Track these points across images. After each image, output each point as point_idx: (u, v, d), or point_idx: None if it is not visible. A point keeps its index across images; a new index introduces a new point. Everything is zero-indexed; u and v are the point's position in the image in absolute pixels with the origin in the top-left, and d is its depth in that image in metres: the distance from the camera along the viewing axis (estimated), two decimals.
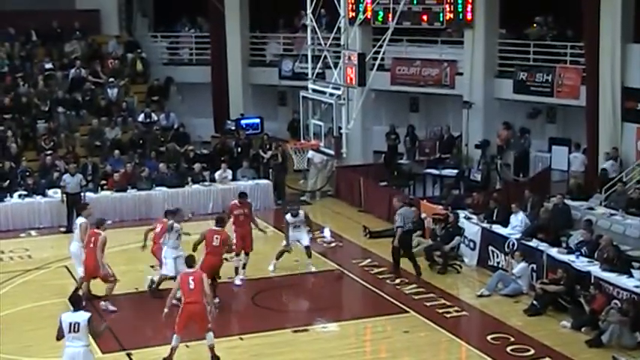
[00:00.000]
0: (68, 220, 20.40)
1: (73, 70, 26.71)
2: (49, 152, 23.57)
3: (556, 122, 24.45)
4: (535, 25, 24.16)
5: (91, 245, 15.41)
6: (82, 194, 21.13)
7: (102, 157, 24.06)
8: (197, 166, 23.45)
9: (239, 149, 24.95)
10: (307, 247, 17.72)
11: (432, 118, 26.53)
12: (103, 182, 22.54)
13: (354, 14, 22.60)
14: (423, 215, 19.94)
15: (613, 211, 18.95)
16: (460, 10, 23.69)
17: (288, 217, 17.57)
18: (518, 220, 18.28)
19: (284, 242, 17.68)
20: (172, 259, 15.87)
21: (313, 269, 17.73)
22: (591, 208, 19.35)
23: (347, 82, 17.86)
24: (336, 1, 18.80)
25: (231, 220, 17.18)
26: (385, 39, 18.51)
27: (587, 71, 21.47)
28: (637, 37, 20.61)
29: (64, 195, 20.92)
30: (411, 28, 24.26)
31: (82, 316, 11.42)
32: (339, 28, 18.84)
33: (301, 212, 17.72)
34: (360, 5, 23.14)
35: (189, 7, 28.80)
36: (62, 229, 20.65)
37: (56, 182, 21.74)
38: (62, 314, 11.63)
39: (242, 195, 17.83)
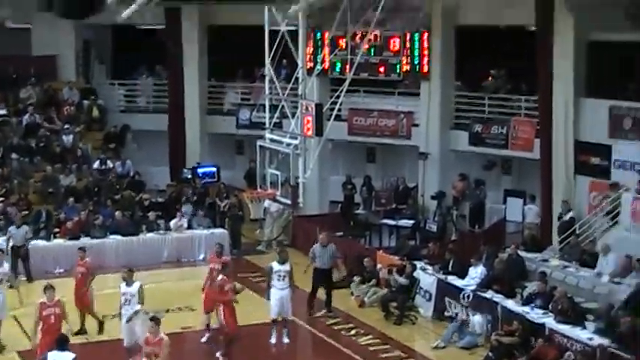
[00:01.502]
0: (14, 272, 19.78)
1: (27, 116, 26.48)
2: (0, 199, 23.20)
3: (511, 174, 24.69)
4: (490, 78, 24.57)
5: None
6: (26, 247, 20.80)
7: (56, 204, 23.75)
8: (151, 214, 23.24)
9: (195, 198, 24.83)
10: (285, 320, 16.96)
11: (389, 169, 26.66)
12: (57, 230, 22.21)
13: (312, 65, 22.84)
14: (379, 266, 19.91)
15: (567, 263, 19.08)
16: (417, 62, 24.09)
17: (274, 264, 16.91)
18: (478, 272, 18.34)
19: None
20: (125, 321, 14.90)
21: (287, 340, 17.06)
22: (545, 260, 19.46)
23: (304, 132, 17.89)
24: (294, 52, 18.87)
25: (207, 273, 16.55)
26: (342, 90, 18.61)
27: (541, 124, 21.75)
28: (589, 92, 20.97)
29: (10, 247, 20.54)
30: (369, 79, 24.56)
31: (68, 357, 11.35)
32: (296, 79, 18.91)
33: (289, 262, 17.05)
34: (318, 56, 23.39)
35: (147, 55, 28.77)
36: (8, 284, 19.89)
37: (4, 230, 21.38)
38: (49, 353, 11.47)
39: (219, 247, 17.45)
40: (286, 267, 16.94)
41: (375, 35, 23.96)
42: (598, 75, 20.81)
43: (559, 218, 20.86)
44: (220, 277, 15.59)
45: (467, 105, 24.31)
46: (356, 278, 19.84)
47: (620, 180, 19.88)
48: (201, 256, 22.35)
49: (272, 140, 19.03)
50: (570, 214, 20.62)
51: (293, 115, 18.82)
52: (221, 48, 27.78)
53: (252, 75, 28.02)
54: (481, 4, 22.82)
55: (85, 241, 21.75)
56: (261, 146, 19.07)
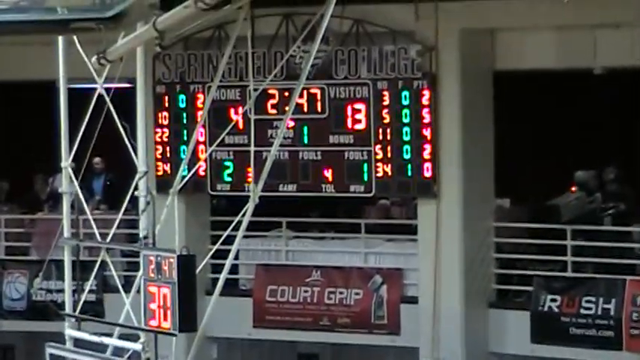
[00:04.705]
0: None
1: None
2: None
3: None
4: (575, 188, 24.67)
5: None
6: None
7: None
8: None
9: None
10: None
11: None
12: None
13: (167, 168, 23.01)
14: None
15: None
16: (407, 157, 24.10)
17: None
18: None
19: None
20: None
21: None
22: None
23: (153, 322, 17.55)
24: (127, 141, 18.73)
25: None
26: (240, 223, 18.28)
27: None
28: None
29: None
30: (300, 197, 24.92)
31: None
32: (133, 199, 18.77)
33: None
34: (183, 149, 23.32)
35: None
36: None
37: None
38: None
39: None
40: None
41: (313, 97, 24.34)
42: None
43: None
44: None
45: (526, 252, 24.53)
46: None
47: None
48: None
49: (79, 344, 19.09)
50: None
51: (128, 284, 18.96)
52: None
53: (29, 193, 28.29)
54: (547, 26, 23.52)
55: None
56: (54, 357, 18.99)
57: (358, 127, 24.40)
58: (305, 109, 24.20)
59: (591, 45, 23.33)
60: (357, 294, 25.21)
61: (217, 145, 22.72)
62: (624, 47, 22.90)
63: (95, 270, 19.52)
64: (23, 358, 27.49)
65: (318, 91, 24.32)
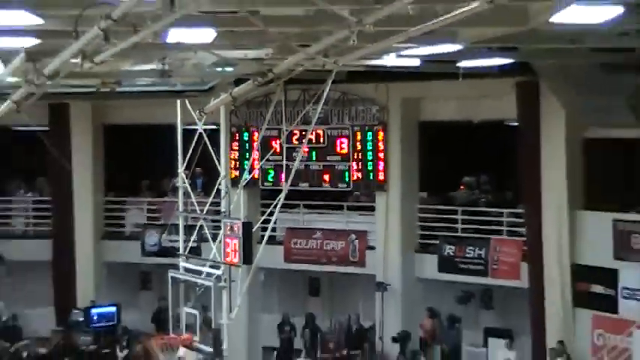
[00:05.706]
0: None
1: None
2: None
3: (493, 308, 24.52)
4: (463, 186, 24.72)
5: None
6: None
7: None
8: None
9: (89, 347, 24.31)
10: None
11: (337, 305, 26.53)
12: None
13: (237, 173, 23.18)
14: None
15: None
16: (370, 168, 24.22)
17: None
18: None
19: None
20: None
21: None
22: None
23: (228, 259, 17.82)
24: (215, 158, 19.02)
25: None
26: (277, 204, 18.64)
27: (530, 244, 21.78)
28: (588, 202, 21.07)
29: None
30: (310, 190, 24.84)
31: None
32: (218, 191, 19.02)
33: None
34: (245, 162, 23.51)
35: (25, 165, 28.30)
36: None
37: None
38: None
39: None
40: None
41: (318, 135, 24.32)
42: (598, 181, 20.89)
43: None
44: None
45: (435, 221, 24.41)
46: None
47: (630, 313, 19.85)
48: None
49: (188, 270, 19.20)
50: None
51: (214, 237, 18.90)
52: (121, 153, 27.79)
53: (160, 187, 28.04)
54: (450, 96, 23.29)
55: None
56: (173, 278, 19.13)
57: (343, 151, 24.36)
58: (314, 141, 24.12)
59: (473, 106, 23.12)
60: (341, 244, 25.15)
61: (265, 161, 23.05)
62: (489, 105, 22.72)
63: (196, 230, 19.91)
64: (157, 279, 27.10)
65: (322, 132, 24.28)
